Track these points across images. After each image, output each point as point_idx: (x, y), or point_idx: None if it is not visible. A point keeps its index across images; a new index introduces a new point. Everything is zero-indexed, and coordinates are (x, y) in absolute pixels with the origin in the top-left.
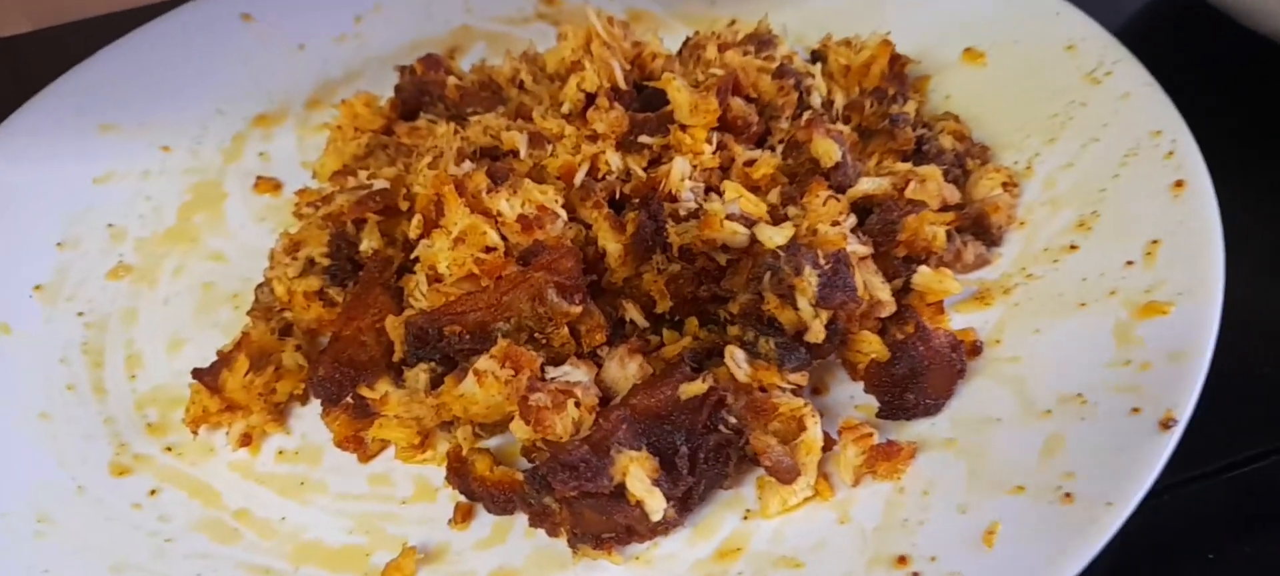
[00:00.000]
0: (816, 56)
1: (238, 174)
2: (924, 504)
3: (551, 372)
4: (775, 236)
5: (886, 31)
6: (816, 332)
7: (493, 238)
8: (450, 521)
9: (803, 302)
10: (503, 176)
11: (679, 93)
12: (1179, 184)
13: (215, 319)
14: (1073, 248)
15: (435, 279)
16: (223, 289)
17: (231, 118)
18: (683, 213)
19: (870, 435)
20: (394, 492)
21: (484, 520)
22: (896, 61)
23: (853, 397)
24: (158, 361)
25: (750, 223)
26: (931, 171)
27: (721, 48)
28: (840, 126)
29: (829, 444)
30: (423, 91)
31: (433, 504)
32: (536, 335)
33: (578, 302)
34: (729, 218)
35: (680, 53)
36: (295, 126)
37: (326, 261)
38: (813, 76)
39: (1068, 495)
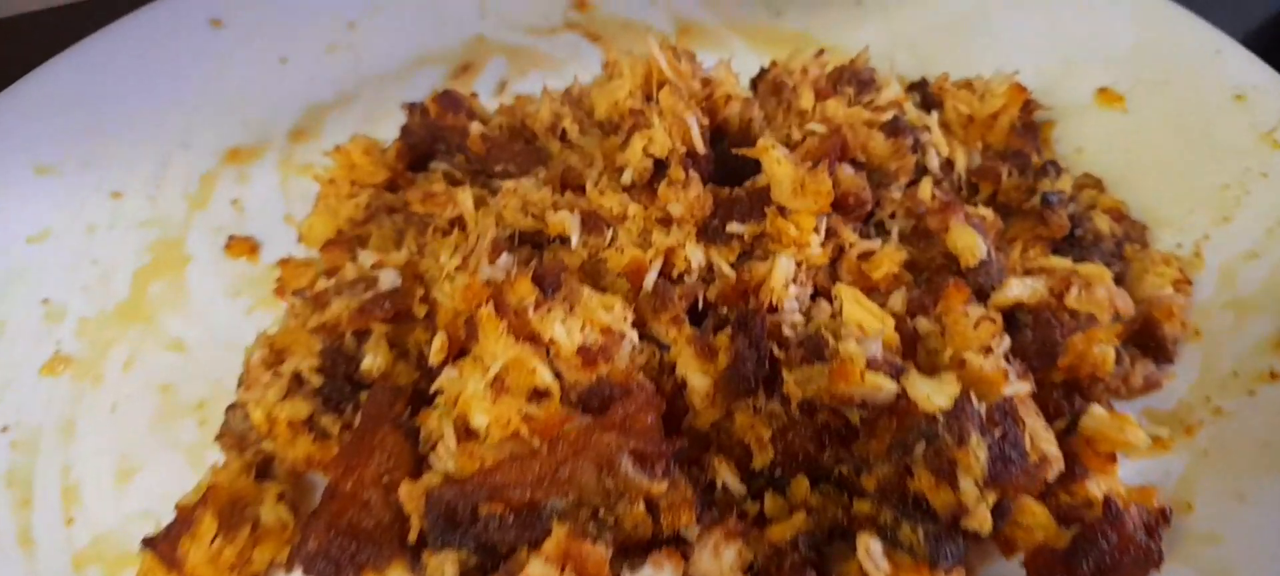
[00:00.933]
0: (929, 101)
1: (205, 229)
2: None
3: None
4: (935, 396)
5: (1011, 71)
6: (981, 520)
7: (544, 377)
8: None
9: (966, 483)
10: (554, 283)
11: (780, 166)
12: None
13: (175, 436)
14: (1273, 375)
15: (466, 432)
16: (185, 395)
17: (198, 152)
18: (788, 329)
19: None
20: None
21: None
22: (1027, 109)
23: None
24: (102, 498)
25: (897, 371)
26: (1099, 272)
27: (819, 93)
28: (981, 210)
29: None
30: (437, 138)
31: None
32: (603, 513)
33: (661, 475)
34: (870, 365)
35: (755, 86)
36: (277, 163)
37: (318, 380)
38: (929, 130)
39: None
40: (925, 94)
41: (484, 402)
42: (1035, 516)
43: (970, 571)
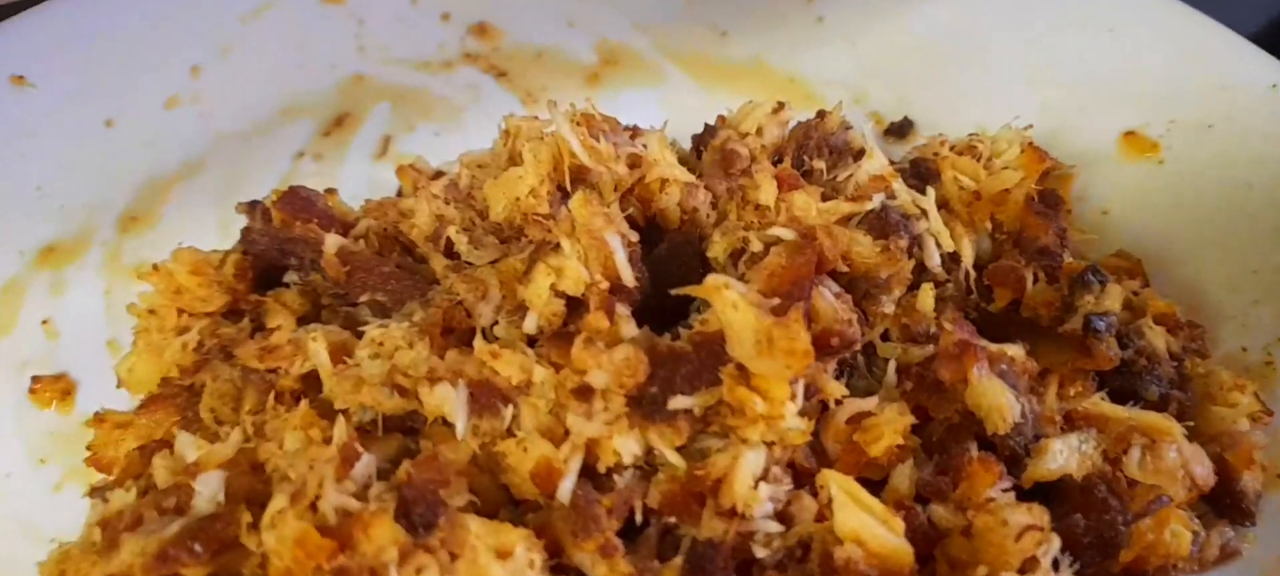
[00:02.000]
0: (923, 172)
1: (7, 365)
2: None
3: None
4: None
5: (1023, 125)
6: None
7: None
8: None
9: None
10: (428, 515)
11: (737, 312)
12: None
13: None
14: None
15: None
16: None
17: (1, 254)
18: (760, 549)
19: None
20: None
21: None
22: (1046, 176)
23: None
24: None
25: None
26: (1165, 427)
27: (783, 182)
28: (1010, 350)
29: None
30: (285, 251)
31: None
32: None
33: None
34: None
35: (698, 151)
36: (101, 263)
37: None
38: (925, 215)
39: None
40: (917, 163)
41: None
42: None
43: None
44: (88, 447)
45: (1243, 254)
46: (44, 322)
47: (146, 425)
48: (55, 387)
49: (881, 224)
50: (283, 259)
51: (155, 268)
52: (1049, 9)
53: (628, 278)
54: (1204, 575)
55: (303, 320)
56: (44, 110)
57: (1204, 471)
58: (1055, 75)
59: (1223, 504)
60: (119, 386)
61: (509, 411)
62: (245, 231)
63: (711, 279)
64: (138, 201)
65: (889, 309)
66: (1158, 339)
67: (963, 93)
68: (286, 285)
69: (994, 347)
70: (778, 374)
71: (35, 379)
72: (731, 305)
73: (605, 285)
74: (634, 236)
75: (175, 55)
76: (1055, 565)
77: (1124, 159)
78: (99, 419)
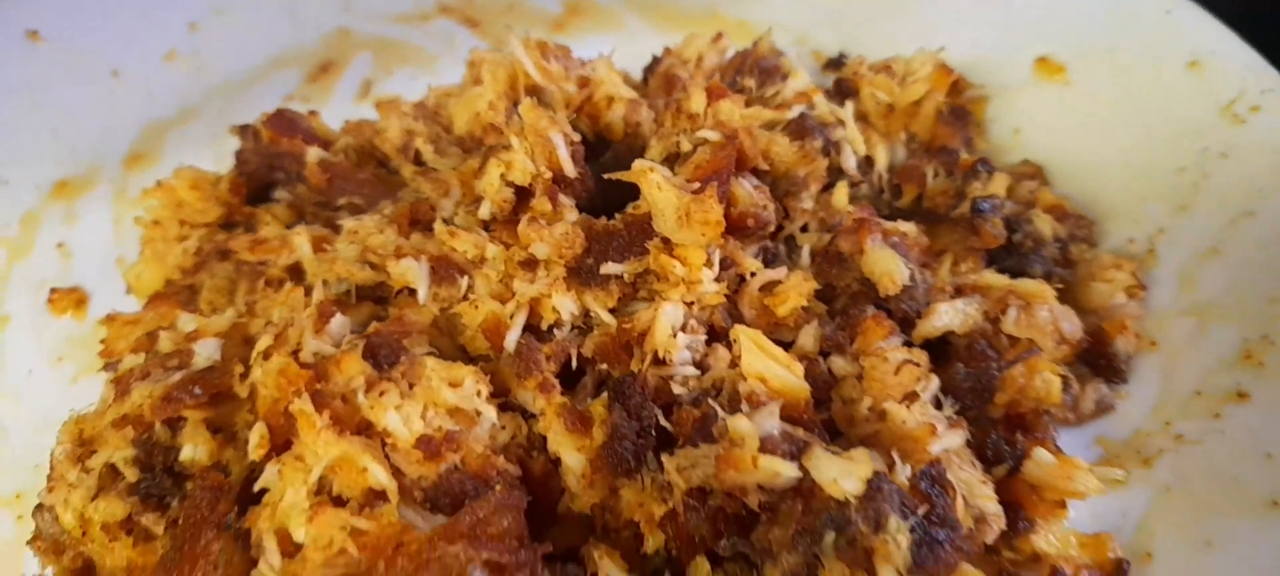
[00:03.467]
0: (843, 90)
1: (25, 281)
2: None
3: None
4: (843, 480)
5: (936, 48)
6: None
7: (377, 477)
8: None
9: (886, 572)
10: (391, 354)
11: (660, 192)
12: None
13: None
14: (1240, 395)
15: (293, 546)
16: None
17: (17, 188)
18: (677, 386)
19: None
20: None
21: None
22: (954, 91)
23: None
24: None
25: (798, 449)
26: (1040, 290)
27: (711, 93)
28: (903, 226)
29: None
30: (273, 166)
31: None
32: None
33: None
34: (765, 446)
35: (646, 81)
36: (110, 196)
37: (135, 474)
38: (843, 125)
39: None
40: (839, 81)
41: (304, 516)
42: None
43: None
44: (100, 342)
45: (1136, 161)
46: (59, 246)
47: (152, 318)
48: (70, 298)
49: (800, 129)
50: (271, 174)
51: (159, 184)
52: None
53: (569, 170)
54: (1083, 425)
55: (289, 227)
56: (56, 62)
57: (1072, 327)
58: (979, 14)
59: (1098, 364)
60: (128, 293)
61: (464, 281)
62: (238, 152)
63: (638, 164)
64: (140, 142)
65: (808, 204)
66: (1044, 225)
67: (897, 34)
68: (276, 200)
69: (887, 224)
70: (695, 242)
71: (52, 291)
72: (656, 186)
73: (549, 176)
74: (576, 137)
75: (175, 13)
76: (938, 404)
77: (1036, 83)
78: (110, 318)
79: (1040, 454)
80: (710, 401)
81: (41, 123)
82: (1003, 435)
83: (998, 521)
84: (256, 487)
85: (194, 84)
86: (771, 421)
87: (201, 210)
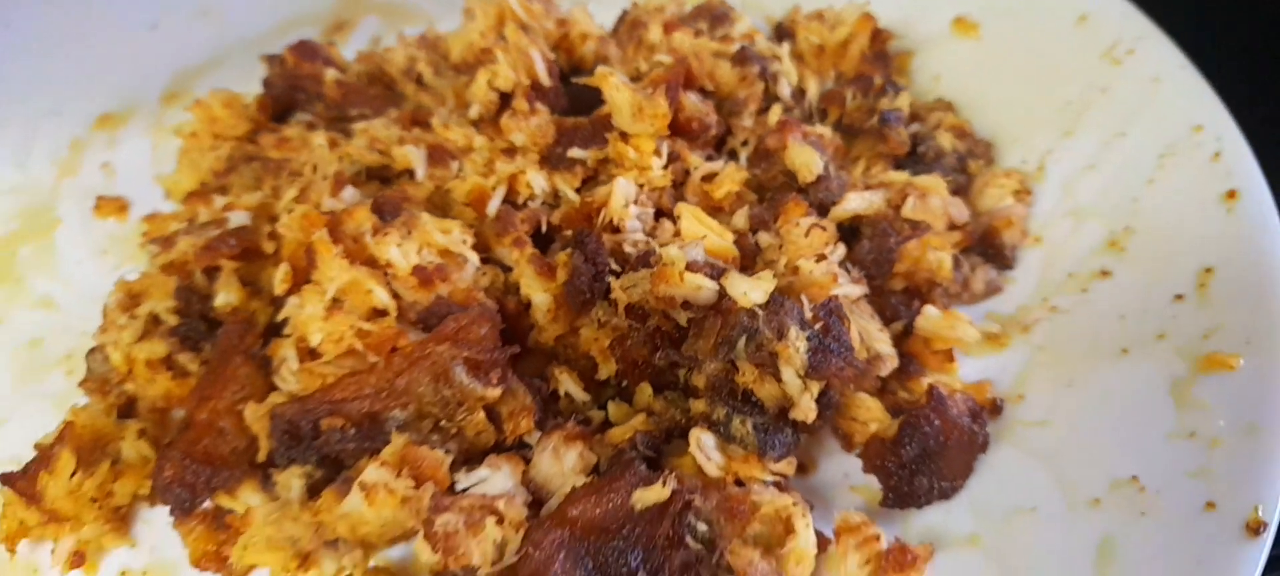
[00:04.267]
0: (782, 33)
1: (75, 193)
2: None
3: (464, 481)
4: (751, 292)
5: (863, 1)
6: (805, 410)
7: (381, 298)
8: None
9: (788, 373)
10: (393, 210)
11: (618, 92)
12: (1231, 194)
13: (43, 388)
14: (1104, 273)
15: (309, 354)
16: (53, 348)
17: (68, 119)
18: (629, 247)
19: (876, 538)
20: None
21: None
22: (878, 38)
23: (847, 475)
24: None
25: (718, 272)
26: (933, 183)
27: (667, 27)
28: (820, 128)
29: (823, 544)
30: (296, 87)
31: None
32: (444, 423)
33: (496, 382)
34: (690, 267)
35: (616, 31)
36: (147, 128)
37: (174, 320)
38: (779, 60)
39: None
40: (778, 26)
41: (321, 324)
42: (869, 410)
43: (811, 464)
44: (141, 235)
45: (1031, 97)
46: (103, 166)
47: (188, 210)
48: (113, 205)
49: (742, 58)
50: (294, 95)
51: (197, 102)
52: None
53: (545, 80)
54: (975, 304)
55: None
56: (102, 15)
57: (960, 212)
58: None
59: (988, 252)
60: (166, 198)
61: (455, 165)
62: (266, 78)
63: (601, 69)
64: (173, 83)
65: (747, 122)
66: (945, 140)
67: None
68: (297, 119)
69: (807, 127)
70: (646, 132)
71: (99, 198)
72: (615, 87)
73: (528, 83)
74: (552, 57)
75: None
76: (846, 269)
77: (952, 37)
78: (149, 217)
79: (929, 310)
80: (651, 242)
81: (89, 66)
82: (901, 302)
83: (891, 361)
84: (279, 318)
85: (222, 37)
86: (696, 250)
87: (232, 125)
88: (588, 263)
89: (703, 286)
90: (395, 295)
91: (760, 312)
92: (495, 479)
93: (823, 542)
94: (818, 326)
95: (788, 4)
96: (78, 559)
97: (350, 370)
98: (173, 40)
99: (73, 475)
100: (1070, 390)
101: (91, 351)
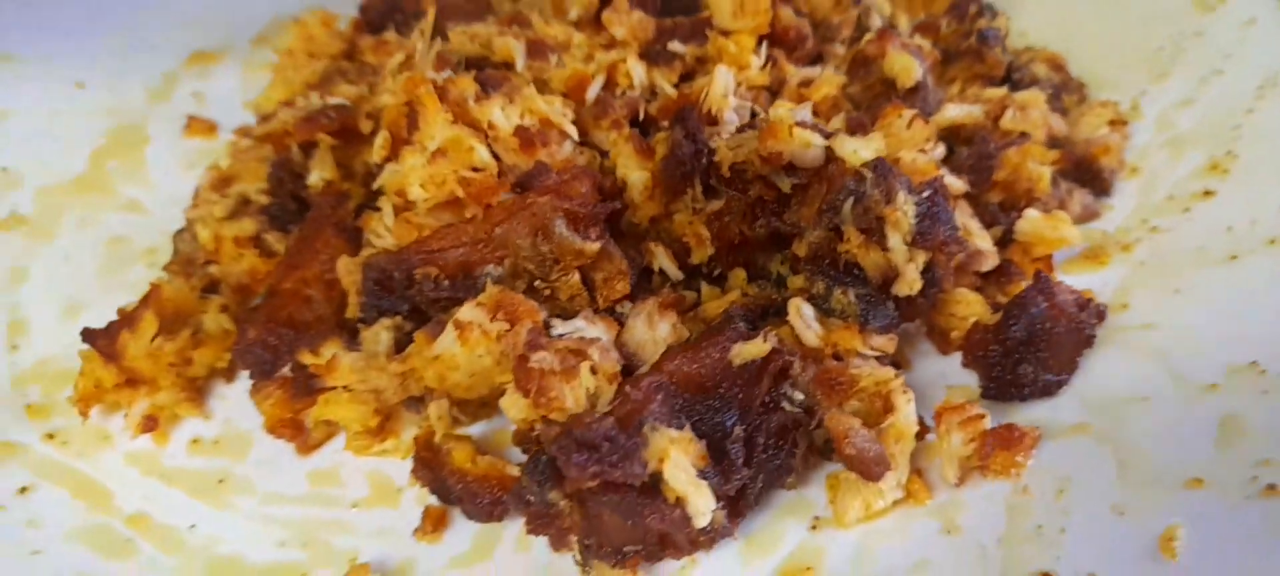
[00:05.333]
0: None
1: (165, 116)
2: (1062, 507)
3: (559, 328)
4: (862, 149)
5: None
6: (911, 281)
7: (481, 155)
8: (417, 531)
9: (895, 239)
10: (496, 83)
11: None
12: None
13: (125, 279)
14: (1207, 193)
15: (405, 207)
16: (136, 244)
17: (161, 54)
18: (726, 132)
19: (981, 417)
20: (343, 494)
21: (462, 529)
22: None
23: (944, 375)
24: (47, 329)
25: (826, 136)
26: (1033, 97)
27: None
28: (919, 41)
29: (921, 432)
30: (393, 9)
31: (393, 509)
32: (538, 283)
33: (594, 237)
34: (799, 126)
35: None
36: (239, 65)
37: (265, 199)
38: None
39: (1271, 487)
40: None
41: (422, 171)
42: (969, 303)
43: (905, 362)
44: (230, 147)
45: (1124, 45)
46: (194, 94)
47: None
48: (202, 125)
49: None
50: (390, 15)
51: (294, 21)
52: None
53: None
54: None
55: None
56: None
57: (1060, 126)
58: None
59: (1086, 179)
60: (257, 115)
61: (554, 58)
62: (362, 4)
63: None
64: (267, 28)
65: (840, 50)
66: (1041, 68)
67: None
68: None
69: (905, 37)
70: (746, 27)
71: (189, 117)
72: None
73: None
74: None
75: None
76: (948, 157)
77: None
78: (239, 129)
79: (1030, 211)
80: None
81: (185, 9)
82: (999, 213)
83: (991, 257)
84: (376, 185)
85: None
86: (805, 112)
87: (327, 43)
88: (688, 138)
89: (812, 142)
90: (496, 158)
91: (868, 175)
92: (590, 329)
93: (921, 429)
94: (925, 195)
95: None
96: (150, 423)
97: (448, 222)
98: None
99: (154, 338)
100: (1177, 296)
101: (179, 232)
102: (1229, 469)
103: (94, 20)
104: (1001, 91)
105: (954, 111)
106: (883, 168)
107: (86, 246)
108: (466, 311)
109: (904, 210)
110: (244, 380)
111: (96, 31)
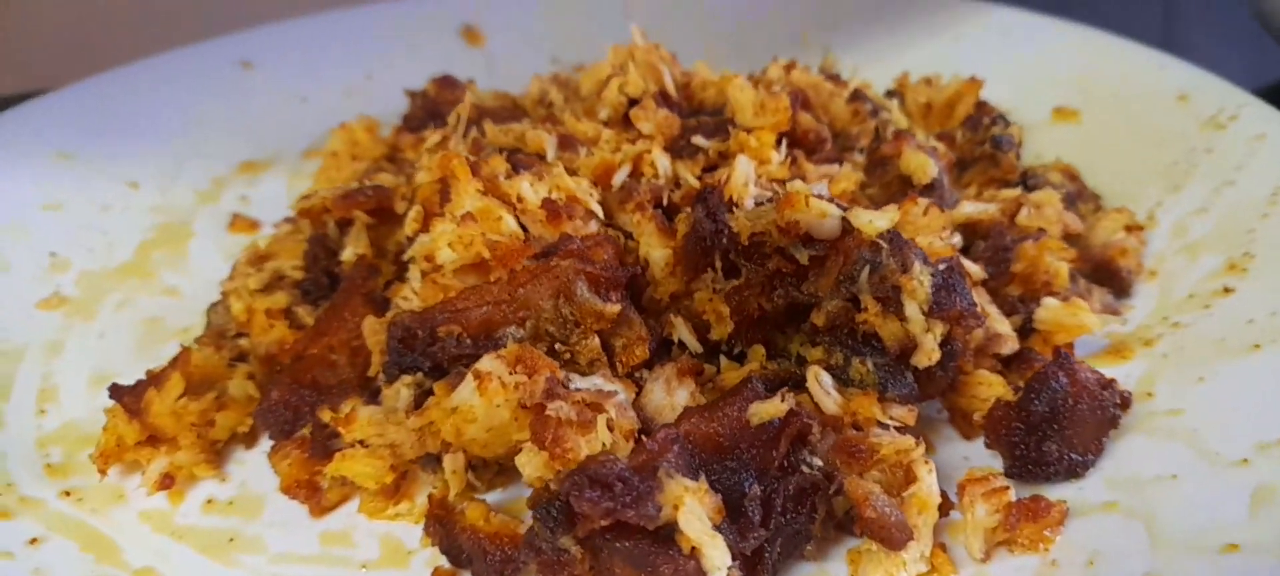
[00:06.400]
0: (891, 95)
1: (211, 216)
2: (1093, 574)
3: (578, 382)
4: (877, 220)
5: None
6: (929, 350)
7: (509, 225)
8: None
9: (912, 308)
10: (527, 165)
11: (742, 92)
12: None
13: (156, 354)
14: (1227, 290)
15: (433, 271)
16: (171, 324)
17: (213, 161)
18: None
19: (1006, 489)
20: (353, 554)
21: None
22: (983, 110)
23: (967, 459)
24: (76, 396)
25: (843, 210)
26: (1048, 196)
27: (788, 67)
28: (934, 143)
29: (945, 508)
30: (434, 114)
31: (403, 570)
32: (558, 347)
33: (615, 300)
34: (816, 197)
35: None
36: (286, 174)
37: (299, 275)
38: (889, 110)
39: None
40: (888, 91)
41: (450, 235)
42: (990, 384)
43: (929, 447)
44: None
45: (1137, 163)
46: (241, 198)
47: None
48: (246, 223)
49: (855, 98)
50: (431, 122)
51: (340, 126)
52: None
53: (671, 89)
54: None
55: None
56: (259, 85)
57: (1075, 223)
58: (1005, 78)
59: (1104, 279)
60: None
61: (583, 150)
62: (406, 114)
63: (725, 72)
64: (314, 144)
65: (859, 158)
66: (1055, 176)
67: None
68: None
69: (922, 139)
70: (767, 125)
71: (234, 215)
72: (739, 88)
73: (655, 90)
74: (679, 71)
75: (359, 65)
76: (965, 252)
77: (1053, 124)
78: (280, 223)
79: (1048, 300)
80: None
81: (239, 122)
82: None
83: (1012, 341)
84: (406, 256)
85: (364, 111)
86: (821, 187)
87: (370, 147)
88: (709, 217)
89: (829, 213)
90: (523, 228)
91: (884, 245)
92: (608, 386)
93: (945, 505)
94: (942, 268)
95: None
96: (167, 481)
97: (473, 284)
98: (320, 110)
99: (180, 398)
100: (1202, 384)
101: (213, 305)
102: (1266, 533)
103: (151, 127)
104: (1017, 191)
105: (970, 208)
106: (898, 239)
107: (123, 326)
108: (486, 362)
109: (920, 280)
110: (264, 446)
111: (152, 138)
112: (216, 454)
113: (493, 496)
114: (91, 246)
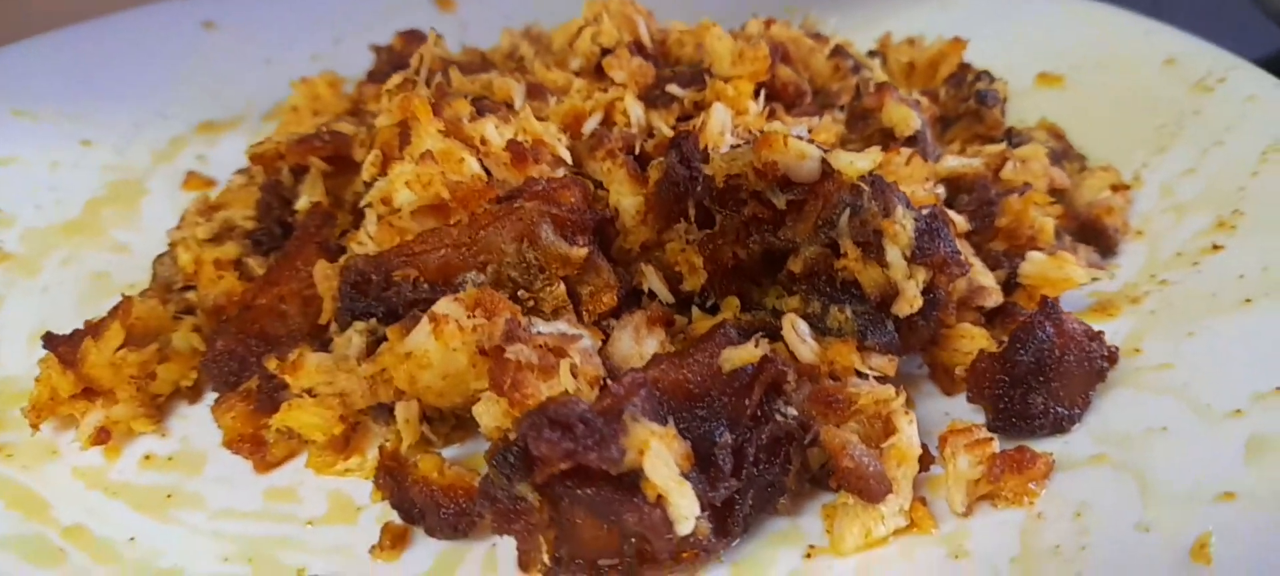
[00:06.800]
0: (873, 55)
1: (166, 174)
2: (1080, 526)
3: (540, 326)
4: (858, 161)
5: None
6: (911, 298)
7: (472, 166)
8: (374, 548)
9: (893, 253)
10: (492, 109)
11: (719, 41)
12: None
13: (101, 309)
14: (1216, 247)
15: (390, 215)
16: (118, 280)
17: (172, 122)
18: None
19: (989, 441)
20: (299, 511)
21: (423, 549)
22: (966, 70)
23: (948, 414)
24: (14, 352)
25: (823, 151)
26: (1033, 150)
27: (768, 22)
28: (917, 96)
29: (926, 462)
30: (399, 67)
31: (351, 526)
32: (521, 294)
33: (582, 244)
34: (795, 138)
35: None
36: (246, 135)
37: (251, 224)
38: (871, 69)
39: None
40: (871, 51)
41: (409, 174)
42: (974, 339)
43: (909, 403)
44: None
45: (1123, 126)
46: (198, 157)
47: None
48: (201, 180)
49: (836, 53)
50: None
51: (301, 80)
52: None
53: (646, 40)
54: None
55: None
56: (222, 47)
57: (1061, 178)
58: (985, 41)
59: (1089, 237)
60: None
61: (553, 99)
62: (371, 69)
63: (703, 21)
64: (276, 111)
65: (840, 114)
66: (1040, 135)
67: None
68: None
69: (904, 94)
70: (744, 74)
71: (188, 173)
72: (716, 38)
73: (629, 40)
74: (655, 26)
75: (326, 31)
76: (948, 206)
77: (1037, 89)
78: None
79: (1033, 254)
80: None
81: (201, 84)
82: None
83: (995, 293)
84: (363, 202)
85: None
86: (800, 129)
87: (332, 102)
88: (682, 163)
89: (808, 154)
90: (486, 171)
91: (866, 188)
92: (572, 332)
93: (925, 459)
94: (925, 212)
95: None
96: (102, 436)
97: (432, 227)
98: (284, 74)
99: (119, 349)
100: (1191, 339)
101: (159, 257)
102: (1262, 481)
103: (109, 86)
104: (1001, 146)
105: (954, 162)
106: (880, 182)
107: (67, 281)
108: (443, 305)
109: (903, 224)
110: (208, 400)
111: (109, 97)
112: (157, 408)
113: (449, 452)
114: (39, 203)
